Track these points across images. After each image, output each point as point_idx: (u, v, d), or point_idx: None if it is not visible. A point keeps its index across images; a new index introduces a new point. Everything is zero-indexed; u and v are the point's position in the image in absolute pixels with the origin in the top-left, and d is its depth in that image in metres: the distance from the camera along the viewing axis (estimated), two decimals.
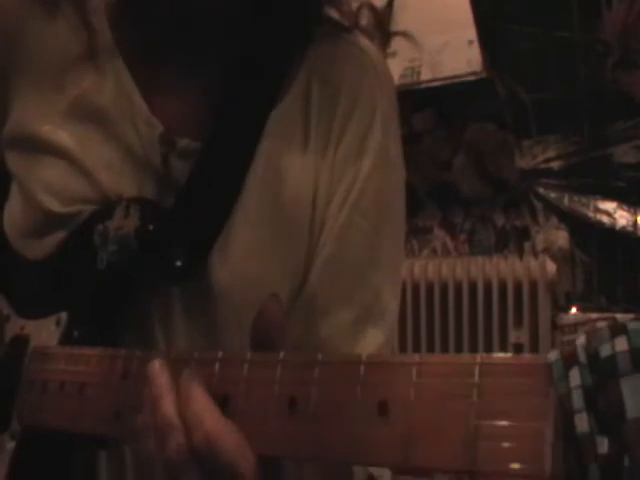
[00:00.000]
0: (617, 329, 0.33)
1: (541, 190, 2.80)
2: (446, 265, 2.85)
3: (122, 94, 0.79)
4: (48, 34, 0.82)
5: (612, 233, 2.67)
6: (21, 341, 0.81)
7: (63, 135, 0.80)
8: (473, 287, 2.79)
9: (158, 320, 0.79)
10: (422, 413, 0.41)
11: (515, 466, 0.36)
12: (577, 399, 0.34)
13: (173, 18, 0.79)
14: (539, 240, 2.83)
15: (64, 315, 0.79)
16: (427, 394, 0.42)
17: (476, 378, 0.39)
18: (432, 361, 0.43)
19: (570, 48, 2.56)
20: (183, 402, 0.53)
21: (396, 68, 2.64)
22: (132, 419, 0.60)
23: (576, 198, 2.73)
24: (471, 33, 2.63)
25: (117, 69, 0.80)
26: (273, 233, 0.79)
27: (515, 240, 2.88)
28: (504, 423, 0.37)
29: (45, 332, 0.79)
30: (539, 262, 2.73)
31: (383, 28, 0.88)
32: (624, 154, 2.64)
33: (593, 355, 0.34)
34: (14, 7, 0.84)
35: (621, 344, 0.33)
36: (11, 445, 0.77)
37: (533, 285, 2.72)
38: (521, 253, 2.83)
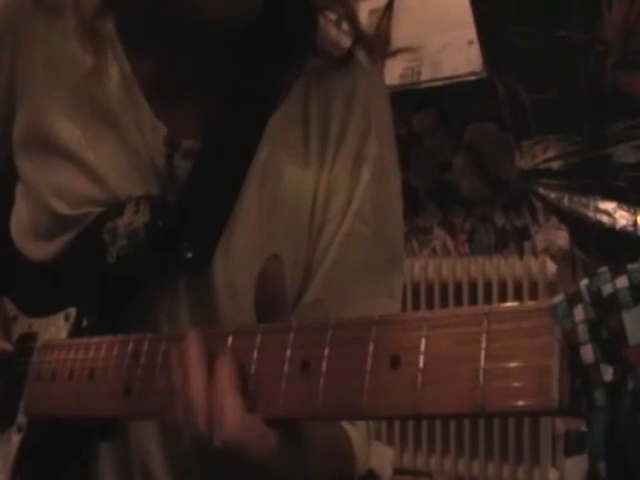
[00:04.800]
0: (617, 270, 0.35)
1: (541, 190, 2.79)
2: (446, 265, 2.85)
3: (128, 98, 0.81)
4: (55, 37, 0.83)
5: (612, 233, 2.67)
6: (29, 338, 0.83)
7: (72, 137, 0.82)
8: (473, 287, 2.78)
9: (165, 314, 0.81)
10: (433, 361, 0.42)
11: (525, 402, 0.38)
12: (582, 332, 0.35)
13: (179, 26, 0.81)
14: (539, 240, 2.83)
15: (73, 310, 0.80)
16: (437, 344, 0.43)
17: (485, 326, 0.41)
18: (442, 314, 0.44)
19: (570, 48, 2.56)
20: (211, 389, 0.54)
21: (396, 68, 2.64)
22: (144, 393, 0.61)
23: (576, 198, 2.72)
24: (471, 33, 2.63)
25: (124, 72, 0.82)
26: (273, 230, 0.81)
27: (515, 240, 2.88)
28: (512, 364, 0.39)
29: (54, 327, 0.81)
30: (539, 262, 2.72)
31: (383, 36, 0.89)
32: (624, 154, 2.64)
33: (596, 294, 0.36)
34: (20, 10, 0.85)
35: (622, 282, 0.34)
36: (17, 438, 0.79)
37: (533, 285, 2.71)
38: (521, 253, 2.83)
